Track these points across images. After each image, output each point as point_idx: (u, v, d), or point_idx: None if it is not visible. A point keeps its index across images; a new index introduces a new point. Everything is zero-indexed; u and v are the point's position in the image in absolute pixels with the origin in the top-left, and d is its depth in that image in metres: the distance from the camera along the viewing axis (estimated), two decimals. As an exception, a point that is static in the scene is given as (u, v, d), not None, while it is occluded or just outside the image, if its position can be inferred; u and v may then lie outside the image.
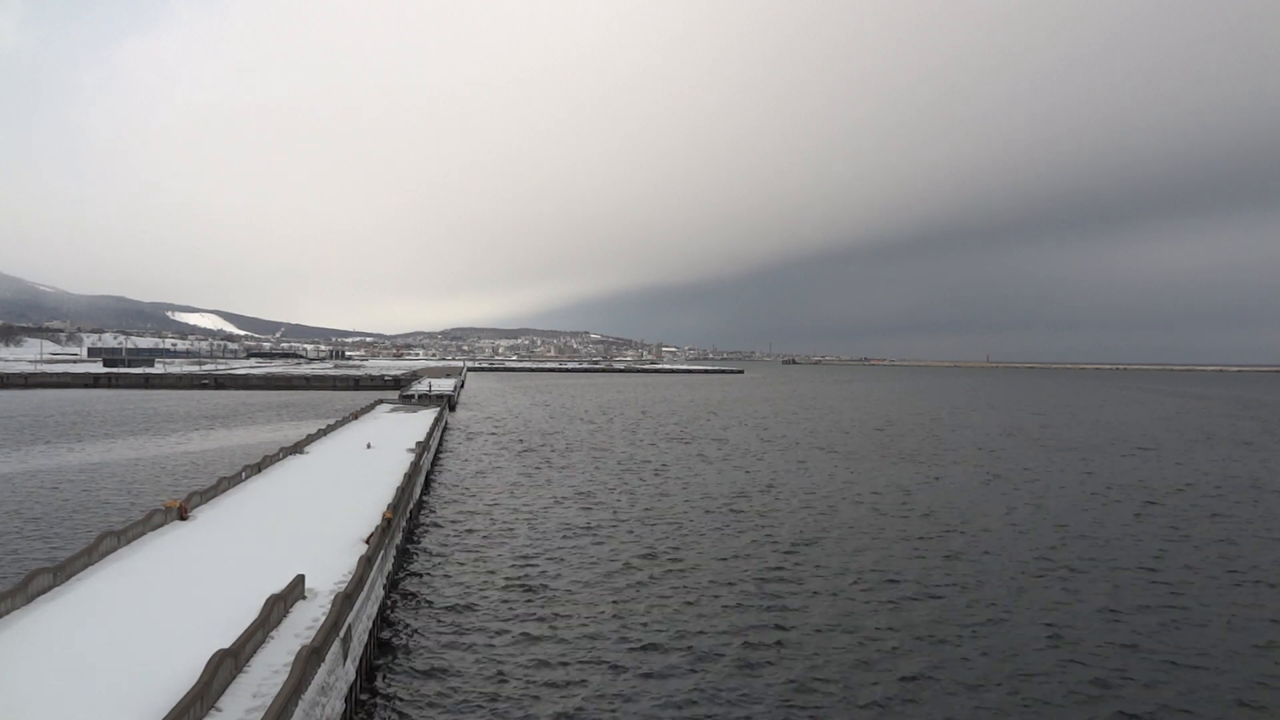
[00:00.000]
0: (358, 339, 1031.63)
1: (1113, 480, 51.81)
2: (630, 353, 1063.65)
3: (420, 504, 39.63)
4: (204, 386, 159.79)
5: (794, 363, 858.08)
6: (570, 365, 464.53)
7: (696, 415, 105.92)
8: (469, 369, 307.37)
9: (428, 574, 28.27)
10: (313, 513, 29.93)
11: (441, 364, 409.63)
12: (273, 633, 16.75)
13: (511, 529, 35.36)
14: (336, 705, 15.02)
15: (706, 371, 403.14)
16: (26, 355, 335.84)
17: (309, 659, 14.36)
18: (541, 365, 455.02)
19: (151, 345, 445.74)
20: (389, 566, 25.14)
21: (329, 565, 22.82)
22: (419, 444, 48.06)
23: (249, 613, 18.06)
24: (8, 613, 17.75)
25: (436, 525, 36.35)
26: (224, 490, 32.59)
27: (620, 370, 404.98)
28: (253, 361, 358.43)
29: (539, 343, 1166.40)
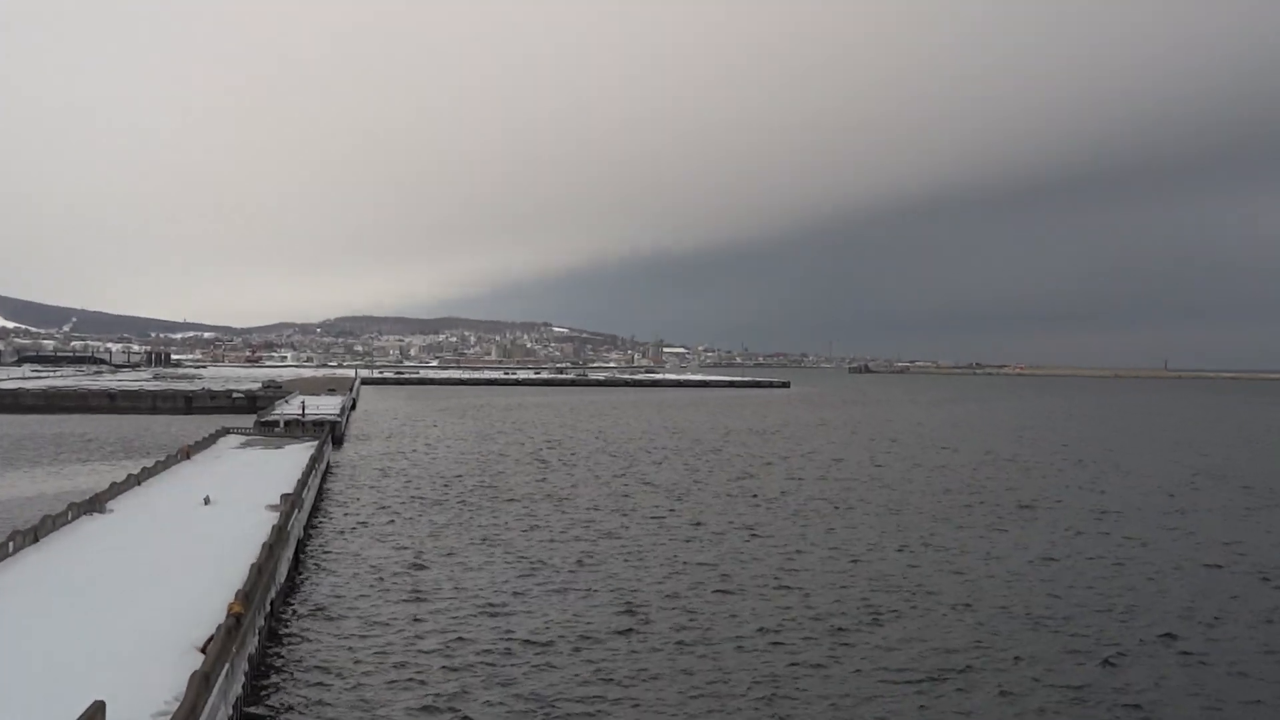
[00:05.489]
0: (192, 334, 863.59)
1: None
2: (614, 355, 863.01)
3: (288, 591, 34.56)
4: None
5: (866, 370, 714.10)
6: (522, 374, 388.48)
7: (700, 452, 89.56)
8: (363, 380, 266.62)
9: (298, 698, 24.19)
10: (119, 605, 25.64)
11: (322, 372, 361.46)
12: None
13: (424, 633, 30.15)
14: None
15: (731, 384, 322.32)
16: None
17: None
18: (476, 374, 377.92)
19: None
20: (238, 688, 21.90)
21: (144, 685, 19.31)
22: (285, 498, 42.00)
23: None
24: None
25: (312, 623, 31.05)
26: (-20, 570, 26.52)
27: (598, 382, 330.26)
28: (26, 369, 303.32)
29: (473, 339, 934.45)
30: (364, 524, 49.12)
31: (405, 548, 43.12)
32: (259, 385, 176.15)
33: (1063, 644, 30.09)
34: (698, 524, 50.34)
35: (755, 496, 61.05)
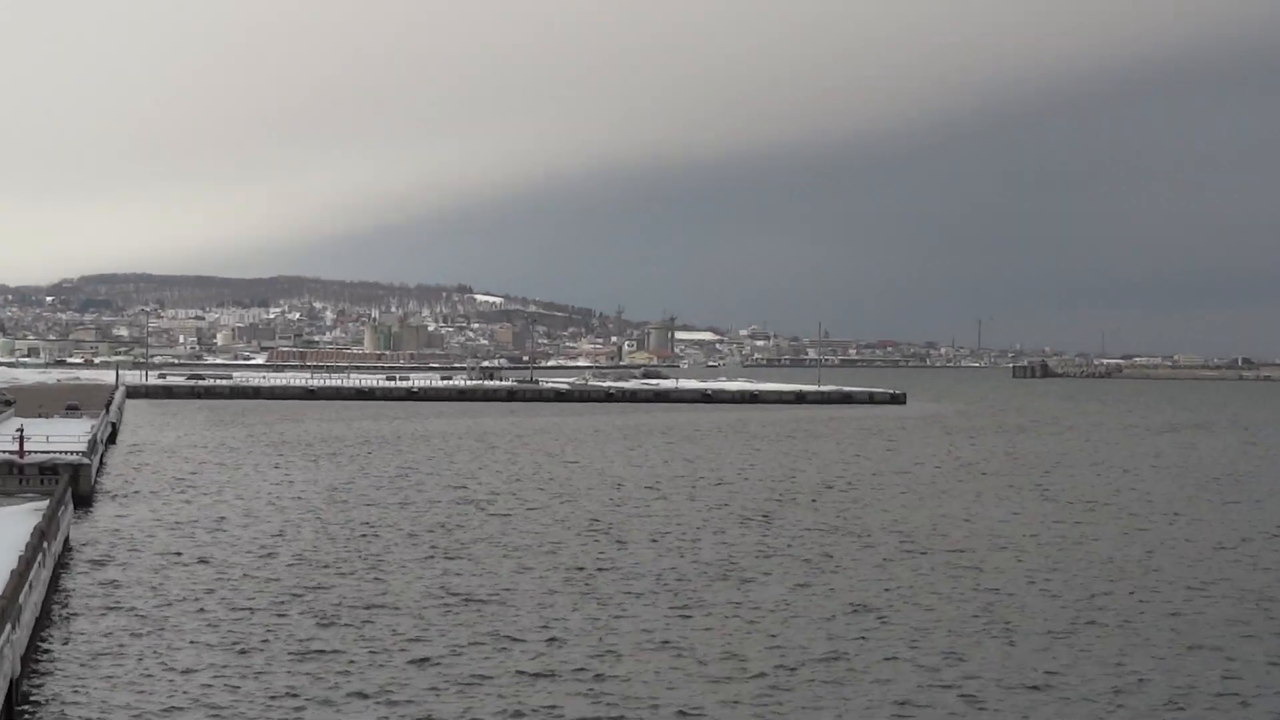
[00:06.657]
0: None
1: None
2: (586, 344, 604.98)
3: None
4: None
5: (1044, 371, 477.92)
6: (420, 378, 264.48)
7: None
8: (131, 388, 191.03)
9: None
10: None
11: (55, 374, 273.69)
12: None
13: None
14: None
15: (800, 397, 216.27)
16: None
17: None
18: (336, 378, 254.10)
19: None
20: None
21: None
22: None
23: None
24: None
25: None
26: None
27: (559, 394, 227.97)
28: None
29: (330, 316, 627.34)
30: (124, 649, 33.47)
31: (195, 698, 28.24)
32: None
33: None
34: None
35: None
